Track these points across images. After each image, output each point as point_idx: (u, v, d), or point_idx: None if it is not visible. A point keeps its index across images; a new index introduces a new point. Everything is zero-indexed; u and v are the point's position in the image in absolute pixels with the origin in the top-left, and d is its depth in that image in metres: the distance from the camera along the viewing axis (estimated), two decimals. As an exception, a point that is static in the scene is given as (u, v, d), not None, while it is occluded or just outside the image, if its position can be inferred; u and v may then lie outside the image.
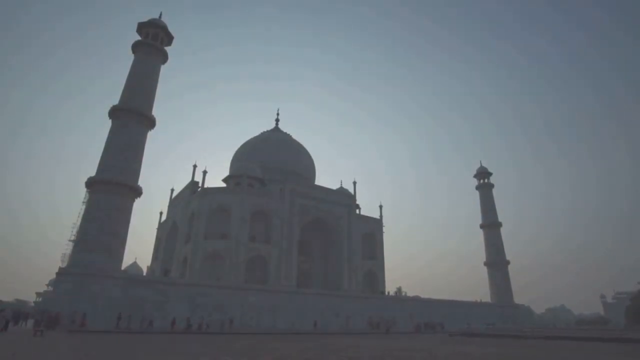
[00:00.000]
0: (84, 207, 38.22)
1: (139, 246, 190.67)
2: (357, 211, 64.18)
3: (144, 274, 73.22)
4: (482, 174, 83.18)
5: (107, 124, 42.39)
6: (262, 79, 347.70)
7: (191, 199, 54.94)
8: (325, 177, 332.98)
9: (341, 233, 59.79)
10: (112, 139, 41.02)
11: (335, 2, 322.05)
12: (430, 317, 53.78)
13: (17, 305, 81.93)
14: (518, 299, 74.66)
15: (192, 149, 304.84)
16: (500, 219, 78.57)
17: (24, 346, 16.61)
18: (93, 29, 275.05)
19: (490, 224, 78.01)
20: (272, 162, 64.90)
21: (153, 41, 47.01)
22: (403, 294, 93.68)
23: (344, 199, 62.81)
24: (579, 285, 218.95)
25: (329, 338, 28.83)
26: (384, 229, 66.12)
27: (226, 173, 65.34)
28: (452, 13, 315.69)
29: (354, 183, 65.17)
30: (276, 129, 76.60)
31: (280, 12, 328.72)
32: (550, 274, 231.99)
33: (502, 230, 78.31)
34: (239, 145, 72.01)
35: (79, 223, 37.69)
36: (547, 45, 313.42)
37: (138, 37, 47.47)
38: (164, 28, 48.14)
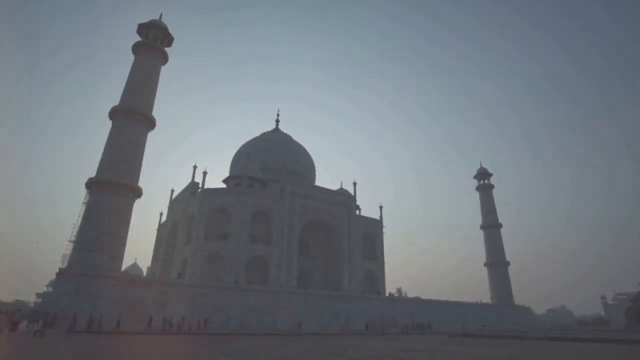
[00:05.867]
0: (84, 207, 38.25)
1: (139, 247, 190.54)
2: (357, 212, 64.15)
3: (144, 274, 73.24)
4: (483, 174, 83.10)
5: (108, 124, 42.51)
6: (262, 79, 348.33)
7: (191, 200, 54.94)
8: (326, 178, 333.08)
9: (341, 233, 59.76)
10: (113, 139, 41.04)
11: (335, 2, 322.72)
12: (430, 318, 53.67)
13: (17, 306, 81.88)
14: (518, 299, 74.65)
15: (192, 150, 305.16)
16: (500, 220, 78.63)
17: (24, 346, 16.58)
18: (93, 29, 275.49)
19: (491, 225, 77.97)
20: (273, 162, 64.95)
21: (153, 42, 47.06)
22: (403, 294, 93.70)
23: (344, 199, 62.79)
24: (580, 286, 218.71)
25: (329, 339, 28.76)
26: (384, 230, 66.23)
27: (226, 174, 65.39)
28: (453, 13, 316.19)
29: (354, 184, 65.21)
30: (276, 129, 76.66)
31: (280, 12, 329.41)
32: (551, 275, 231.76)
33: (503, 231, 78.37)
34: (239, 146, 72.13)
35: (79, 223, 37.74)
36: (548, 46, 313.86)
37: (138, 38, 47.53)
38: (164, 29, 48.19)
